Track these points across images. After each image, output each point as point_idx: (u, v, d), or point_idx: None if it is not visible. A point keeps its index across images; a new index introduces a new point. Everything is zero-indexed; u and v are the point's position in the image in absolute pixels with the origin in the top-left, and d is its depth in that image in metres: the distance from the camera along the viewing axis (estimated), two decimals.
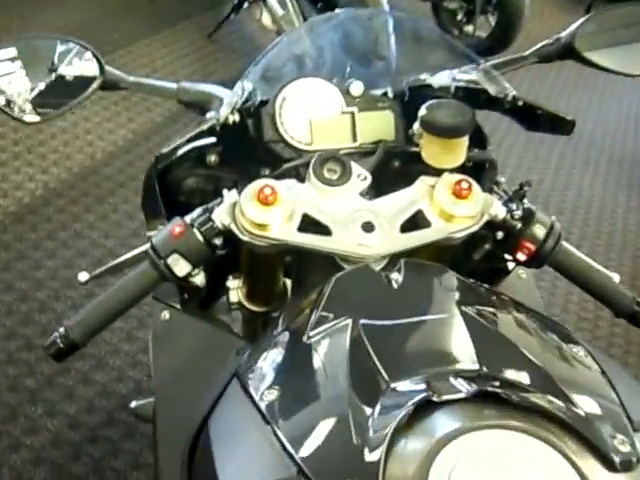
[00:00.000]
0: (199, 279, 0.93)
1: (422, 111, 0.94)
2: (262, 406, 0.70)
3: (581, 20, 1.09)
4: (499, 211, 0.94)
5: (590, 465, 0.61)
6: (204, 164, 1.09)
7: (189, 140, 1.03)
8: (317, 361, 0.74)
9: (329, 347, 0.75)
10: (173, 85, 1.17)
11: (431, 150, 0.95)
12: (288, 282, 1.15)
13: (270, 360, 0.78)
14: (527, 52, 1.14)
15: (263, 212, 0.89)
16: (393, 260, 0.92)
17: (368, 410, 0.66)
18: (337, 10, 1.07)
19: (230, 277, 1.12)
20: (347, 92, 1.06)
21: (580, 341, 0.81)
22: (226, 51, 4.05)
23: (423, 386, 0.66)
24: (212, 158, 1.08)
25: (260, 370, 0.77)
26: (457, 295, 0.80)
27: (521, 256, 0.95)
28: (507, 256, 0.99)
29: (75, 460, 1.86)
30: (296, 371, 0.74)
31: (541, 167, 3.65)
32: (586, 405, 0.67)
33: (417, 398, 0.64)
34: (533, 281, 1.12)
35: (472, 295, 0.82)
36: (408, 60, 1.10)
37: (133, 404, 1.31)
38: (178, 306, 1.05)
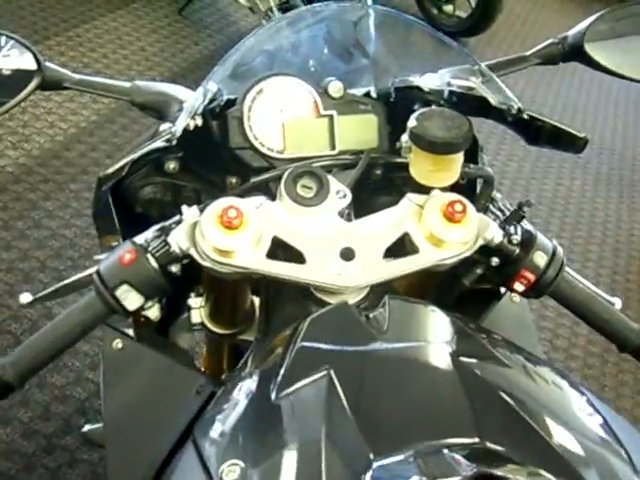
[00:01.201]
0: (152, 312, 0.81)
1: (411, 122, 0.82)
2: None
3: (591, 18, 0.97)
4: (495, 235, 0.83)
5: None
6: (162, 171, 0.97)
7: (140, 158, 0.90)
8: (288, 429, 0.62)
9: (301, 411, 0.63)
10: (126, 84, 1.04)
11: (421, 166, 0.84)
12: (256, 300, 1.04)
13: (231, 423, 0.66)
14: (529, 52, 1.02)
15: (227, 237, 0.76)
16: (374, 290, 0.82)
17: None
18: (315, 3, 0.95)
19: (192, 294, 1.00)
20: (325, 93, 0.94)
21: (582, 389, 0.71)
22: (197, 27, 3.89)
23: (413, 466, 0.55)
24: (171, 165, 0.96)
25: (220, 436, 0.66)
26: (451, 344, 0.68)
27: (519, 286, 0.84)
28: (502, 285, 0.89)
29: (29, 472, 1.74)
30: (262, 441, 0.62)
31: (520, 155, 3.56)
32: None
33: None
34: (527, 306, 1.01)
35: (467, 343, 0.70)
36: (394, 58, 0.97)
37: (86, 428, 1.21)
38: (132, 332, 0.93)
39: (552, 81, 4.18)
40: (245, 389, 0.71)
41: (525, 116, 0.87)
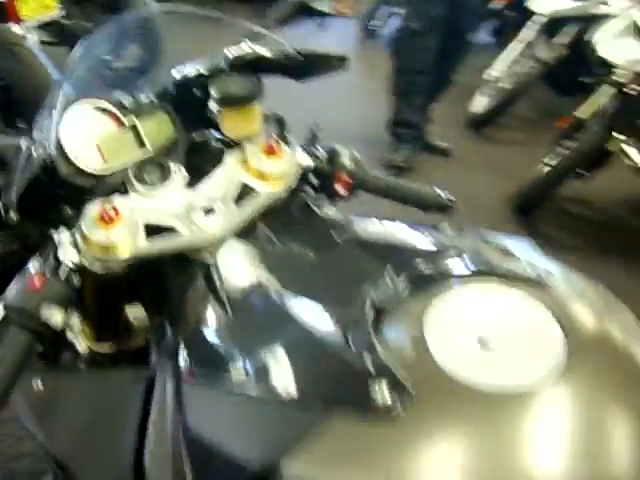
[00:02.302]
0: (77, 321, 0.90)
1: (213, 90, 0.99)
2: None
3: None
4: (306, 159, 1.03)
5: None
6: (3, 225, 1.03)
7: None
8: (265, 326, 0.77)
9: (264, 310, 0.79)
10: None
11: (231, 123, 1.01)
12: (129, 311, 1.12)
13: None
14: (268, 19, 1.22)
15: (110, 232, 0.88)
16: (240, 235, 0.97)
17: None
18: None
19: (66, 330, 1.07)
20: (121, 105, 1.06)
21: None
22: None
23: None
24: (12, 216, 1.03)
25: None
26: (328, 227, 0.87)
27: (341, 189, 1.05)
28: (329, 196, 1.08)
29: None
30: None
31: None
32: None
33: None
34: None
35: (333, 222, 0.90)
36: (167, 52, 1.12)
37: None
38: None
39: None
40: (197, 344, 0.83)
41: (298, 55, 1.06)
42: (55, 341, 0.97)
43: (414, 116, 3.88)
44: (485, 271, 0.76)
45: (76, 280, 0.88)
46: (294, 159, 1.01)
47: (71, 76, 1.02)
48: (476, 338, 0.70)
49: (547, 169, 3.25)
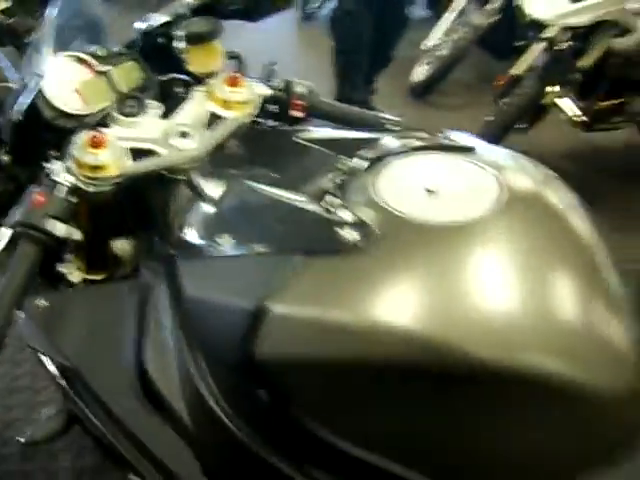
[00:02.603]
0: (77, 234, 1.02)
1: (181, 30, 1.12)
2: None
3: None
4: (265, 90, 1.17)
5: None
6: None
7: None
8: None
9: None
10: None
11: (197, 59, 1.15)
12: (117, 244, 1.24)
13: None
14: None
15: (99, 154, 1.00)
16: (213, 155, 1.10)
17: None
18: None
19: (59, 265, 1.18)
20: (95, 55, 1.18)
21: None
22: None
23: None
24: (4, 158, 1.14)
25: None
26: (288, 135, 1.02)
27: (297, 113, 1.19)
28: (289, 122, 1.21)
29: None
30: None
31: None
32: None
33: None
34: None
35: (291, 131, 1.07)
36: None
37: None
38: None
39: None
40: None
41: None
42: (54, 263, 1.09)
43: (357, 94, 4.02)
44: (430, 146, 0.92)
45: (73, 199, 1.00)
46: (254, 88, 1.14)
47: (52, 29, 1.14)
48: (424, 189, 0.85)
49: (487, 126, 3.42)
